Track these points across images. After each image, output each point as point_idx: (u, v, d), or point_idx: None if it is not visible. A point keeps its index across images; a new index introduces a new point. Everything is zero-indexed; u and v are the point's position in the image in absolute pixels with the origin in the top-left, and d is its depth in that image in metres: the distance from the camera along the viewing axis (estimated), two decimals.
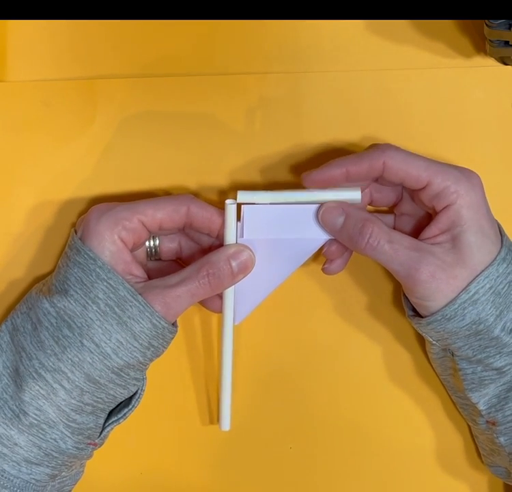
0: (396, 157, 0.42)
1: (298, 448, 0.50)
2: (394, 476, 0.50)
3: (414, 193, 0.44)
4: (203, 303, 0.47)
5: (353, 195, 0.44)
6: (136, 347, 0.42)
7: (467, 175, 0.43)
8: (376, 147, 0.43)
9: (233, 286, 0.45)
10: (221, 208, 0.44)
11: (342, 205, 0.44)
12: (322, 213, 0.44)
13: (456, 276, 0.41)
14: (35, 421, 0.41)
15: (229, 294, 0.45)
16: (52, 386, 0.41)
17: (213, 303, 0.46)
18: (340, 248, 0.45)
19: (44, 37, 0.50)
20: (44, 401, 0.41)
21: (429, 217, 0.44)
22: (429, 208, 0.44)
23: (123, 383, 0.43)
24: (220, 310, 0.46)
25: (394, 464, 0.50)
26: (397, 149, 0.43)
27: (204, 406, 0.50)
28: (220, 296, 0.45)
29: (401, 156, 0.42)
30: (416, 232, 0.44)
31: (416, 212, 0.46)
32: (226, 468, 0.50)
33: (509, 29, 0.43)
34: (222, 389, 0.46)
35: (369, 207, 0.48)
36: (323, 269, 0.46)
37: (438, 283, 0.41)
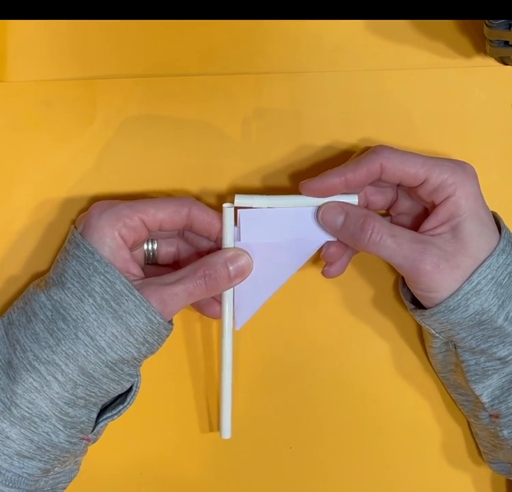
0: (392, 157, 0.43)
1: (298, 448, 0.50)
2: (397, 473, 0.50)
3: (411, 190, 0.45)
4: (201, 309, 0.47)
5: (350, 199, 0.44)
6: (130, 342, 0.42)
7: (462, 166, 0.43)
8: (370, 151, 0.43)
9: (232, 292, 0.45)
10: (220, 211, 0.44)
11: (341, 204, 0.44)
12: (322, 213, 0.44)
13: (459, 265, 0.42)
14: (27, 414, 0.41)
15: (228, 299, 0.45)
16: (45, 378, 0.41)
17: (212, 308, 0.46)
18: (338, 250, 0.45)
19: (44, 37, 0.50)
20: (36, 394, 0.41)
21: (425, 212, 0.44)
22: (428, 203, 0.44)
23: (116, 378, 0.43)
24: (219, 316, 0.46)
25: (397, 460, 0.50)
26: (391, 149, 0.43)
27: (205, 409, 0.50)
28: (219, 302, 0.45)
29: (397, 156, 0.43)
30: (415, 229, 0.44)
31: (412, 209, 0.46)
32: (227, 468, 0.50)
33: (509, 29, 0.43)
34: (223, 397, 0.46)
35: None
36: (322, 272, 0.46)
37: (442, 273, 0.42)
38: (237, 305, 0.45)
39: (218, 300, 0.45)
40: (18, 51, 0.50)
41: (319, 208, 0.44)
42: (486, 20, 0.44)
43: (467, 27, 0.50)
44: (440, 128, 0.50)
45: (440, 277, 0.42)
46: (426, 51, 0.50)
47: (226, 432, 0.47)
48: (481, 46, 0.49)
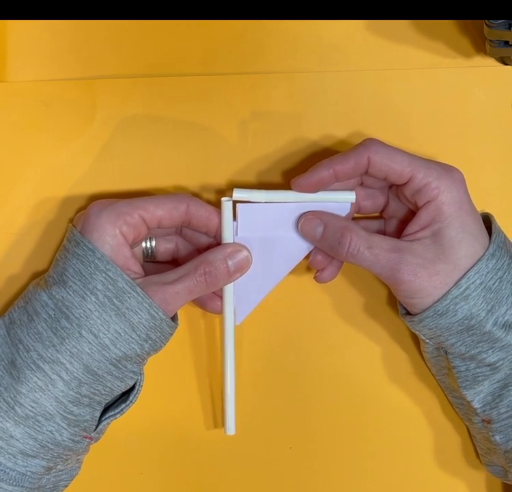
0: (380, 152, 0.43)
1: (298, 448, 0.50)
2: (394, 476, 0.50)
3: (397, 189, 0.45)
4: (203, 305, 0.47)
5: (347, 196, 0.44)
6: (134, 338, 0.42)
7: (449, 171, 0.43)
8: (360, 144, 0.44)
9: (233, 288, 0.45)
10: (219, 208, 0.45)
11: (320, 215, 0.44)
12: (301, 224, 0.45)
13: (438, 272, 0.42)
14: (31, 413, 0.41)
15: (229, 294, 0.45)
16: (50, 377, 0.41)
17: (213, 303, 0.46)
18: (326, 257, 0.46)
19: (44, 37, 0.50)
20: (41, 394, 0.41)
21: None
22: (412, 204, 0.44)
23: (120, 375, 0.43)
24: (220, 311, 0.46)
25: (394, 463, 0.50)
26: (381, 144, 0.43)
27: (206, 407, 0.50)
28: (220, 297, 0.46)
29: (385, 151, 0.43)
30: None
31: (402, 213, 0.46)
32: (226, 468, 0.50)
33: (509, 29, 0.43)
34: (226, 394, 0.46)
35: (358, 215, 0.48)
36: (315, 277, 0.47)
37: (421, 280, 0.42)
38: (238, 300, 0.46)
39: (219, 295, 0.46)
40: (18, 51, 0.50)
41: (298, 218, 0.45)
42: (486, 20, 0.44)
43: (467, 27, 0.50)
44: (440, 128, 0.50)
45: (419, 284, 0.42)
46: (426, 51, 0.50)
47: (231, 428, 0.47)
48: (481, 46, 0.49)
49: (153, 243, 0.47)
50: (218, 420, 0.50)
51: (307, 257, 0.46)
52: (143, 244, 0.47)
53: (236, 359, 0.47)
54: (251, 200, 0.45)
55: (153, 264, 0.48)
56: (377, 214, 0.48)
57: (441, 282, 0.42)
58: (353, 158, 0.43)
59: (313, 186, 0.44)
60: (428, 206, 0.42)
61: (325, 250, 0.45)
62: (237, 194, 0.44)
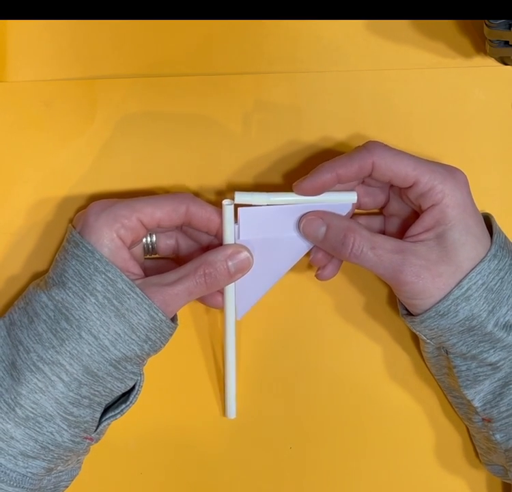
0: (385, 156, 0.43)
1: (298, 448, 0.50)
2: (394, 475, 0.50)
3: (402, 192, 0.45)
4: (203, 299, 0.47)
5: (349, 196, 0.44)
6: (133, 339, 0.42)
7: (453, 173, 0.43)
8: (363, 147, 0.43)
9: (233, 285, 0.45)
10: (219, 207, 0.44)
11: (322, 215, 0.44)
12: (303, 225, 0.45)
13: (441, 273, 0.42)
14: (32, 415, 0.41)
15: (230, 291, 0.45)
16: (50, 379, 0.41)
17: (213, 299, 0.46)
18: (326, 255, 0.46)
19: (44, 37, 0.50)
20: (41, 395, 0.41)
21: (416, 216, 0.44)
22: (416, 206, 0.44)
23: (120, 376, 0.43)
24: (220, 306, 0.46)
25: (394, 463, 0.50)
26: (385, 147, 0.43)
27: (205, 407, 0.50)
28: (221, 292, 0.46)
29: (389, 156, 0.43)
30: (405, 232, 0.44)
31: (404, 212, 0.46)
32: (226, 467, 0.50)
33: (509, 29, 0.43)
34: (227, 378, 0.47)
35: (359, 211, 0.48)
36: (316, 275, 0.47)
37: (424, 282, 0.42)
38: (238, 296, 0.46)
39: (220, 290, 0.46)
40: (18, 51, 0.50)
41: (300, 219, 0.45)
42: (486, 20, 0.44)
43: (467, 27, 0.50)
44: (440, 128, 0.50)
45: (422, 285, 0.42)
46: (426, 51, 0.50)
47: (232, 412, 0.48)
48: (481, 46, 0.49)
49: (154, 239, 0.47)
50: (218, 420, 0.50)
51: (308, 255, 0.46)
52: (144, 240, 0.46)
53: (236, 358, 0.47)
54: (252, 203, 0.44)
55: (154, 261, 0.48)
56: (376, 211, 0.48)
57: (444, 283, 0.42)
58: (357, 163, 0.43)
59: (315, 189, 0.44)
60: (432, 208, 0.42)
61: (327, 250, 0.45)
62: (239, 197, 0.44)
